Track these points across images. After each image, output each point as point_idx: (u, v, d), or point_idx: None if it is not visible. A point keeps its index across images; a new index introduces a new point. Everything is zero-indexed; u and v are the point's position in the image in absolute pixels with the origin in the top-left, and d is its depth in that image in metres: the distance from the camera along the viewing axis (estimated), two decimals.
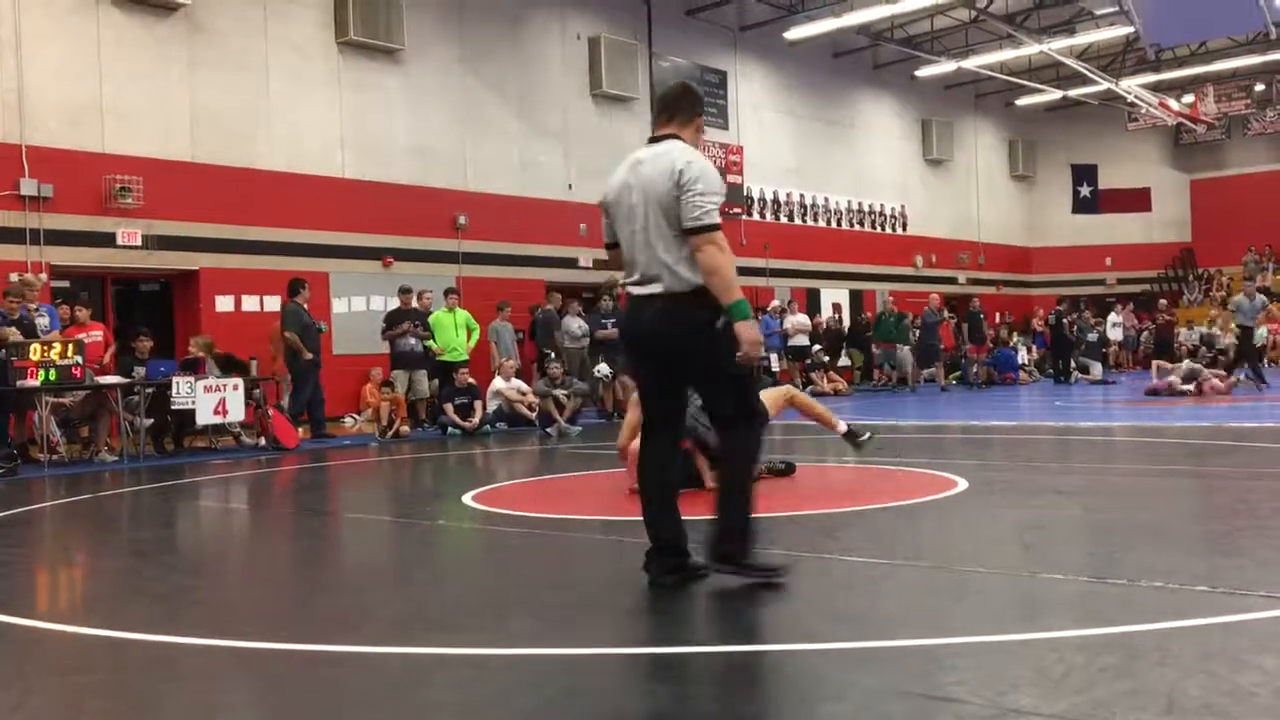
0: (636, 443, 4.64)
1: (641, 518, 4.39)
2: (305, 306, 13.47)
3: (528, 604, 4.22)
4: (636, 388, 4.58)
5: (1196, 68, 27.35)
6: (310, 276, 14.29)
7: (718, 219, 4.08)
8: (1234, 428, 10.59)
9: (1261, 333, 26.91)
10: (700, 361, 4.20)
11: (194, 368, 12.03)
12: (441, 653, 3.53)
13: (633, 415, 7.02)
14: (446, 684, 3.23)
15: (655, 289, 4.15)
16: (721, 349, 4.13)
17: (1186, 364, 17.32)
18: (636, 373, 4.45)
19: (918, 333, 21.72)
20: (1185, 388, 16.01)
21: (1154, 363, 18.50)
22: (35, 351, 10.59)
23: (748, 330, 4.09)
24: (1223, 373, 17.11)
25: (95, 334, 12.31)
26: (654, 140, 4.34)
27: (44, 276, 12.88)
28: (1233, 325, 18.37)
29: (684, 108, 4.39)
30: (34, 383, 10.55)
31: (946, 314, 22.32)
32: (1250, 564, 4.47)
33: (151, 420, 11.93)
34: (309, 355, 13.07)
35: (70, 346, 10.86)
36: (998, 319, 27.22)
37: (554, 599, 4.30)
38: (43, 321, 11.70)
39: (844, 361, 23.16)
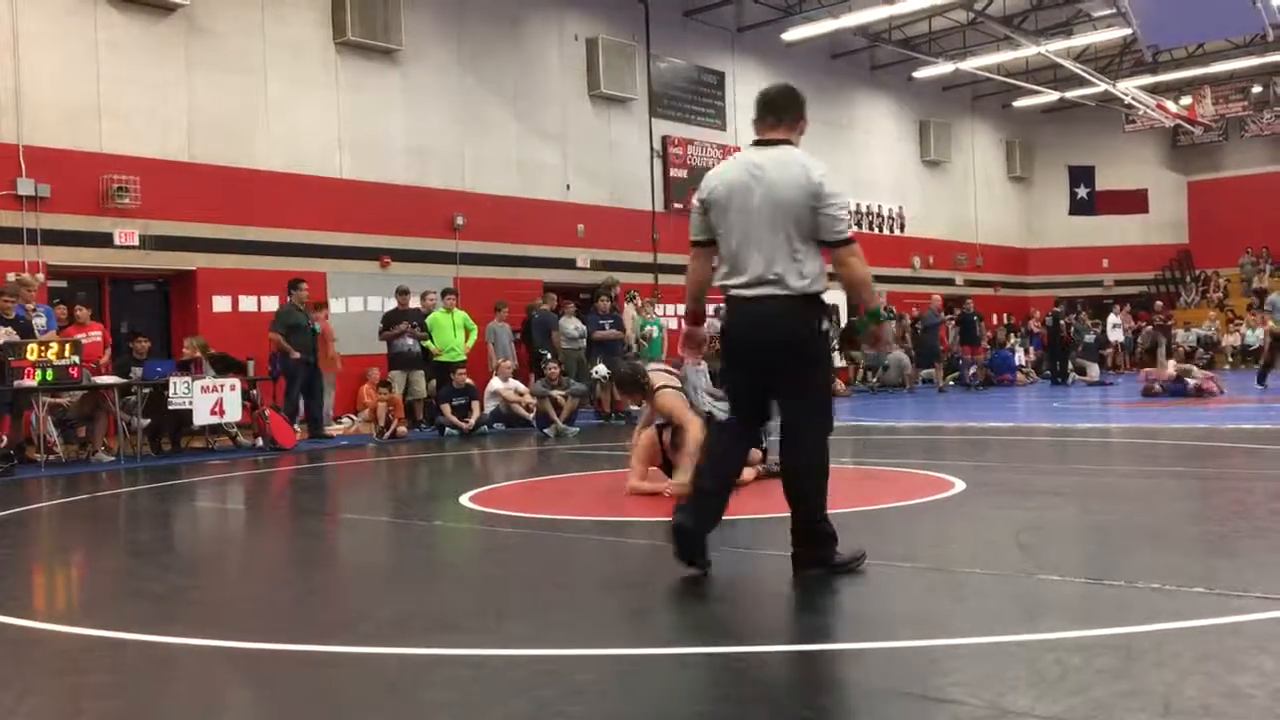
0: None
1: (670, 517, 4.45)
2: (302, 307, 13.47)
3: (525, 605, 4.22)
4: (725, 389, 4.63)
5: (1194, 69, 27.38)
6: (307, 277, 14.28)
7: (852, 231, 4.31)
8: (1230, 429, 10.60)
9: (1258, 333, 27.02)
10: (804, 363, 4.35)
11: (190, 369, 12.02)
12: (439, 653, 3.53)
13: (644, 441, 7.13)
14: (444, 684, 3.23)
15: (770, 290, 4.24)
16: (824, 355, 4.41)
17: (1172, 364, 17.31)
18: (733, 370, 4.48)
19: (917, 333, 21.74)
20: (1191, 381, 15.96)
21: (1143, 370, 18.46)
22: (32, 352, 10.57)
23: (886, 331, 4.74)
24: (1212, 374, 17.09)
25: (95, 334, 12.31)
26: (761, 144, 4.43)
27: (41, 277, 12.87)
28: (1270, 323, 18.04)
29: (789, 110, 4.46)
30: (31, 383, 10.53)
31: (944, 315, 22.28)
32: (1247, 565, 4.48)
33: (148, 420, 11.91)
34: (296, 354, 13.10)
35: (67, 346, 10.85)
36: (994, 320, 27.25)
37: (552, 599, 4.30)
38: (39, 322, 11.69)
39: (840, 363, 23.13)
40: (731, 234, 4.31)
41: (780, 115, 4.44)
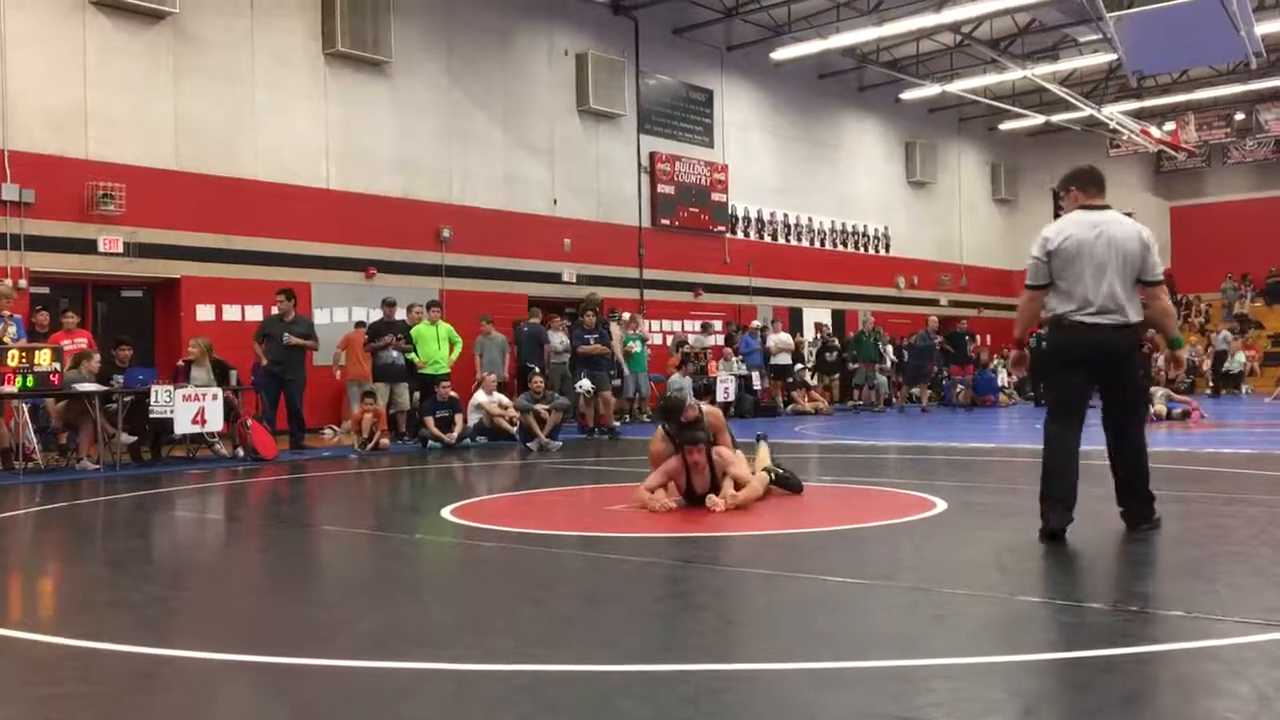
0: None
1: (1044, 492, 5.68)
2: (286, 318, 13.39)
3: (505, 619, 4.20)
4: (1056, 392, 5.87)
5: (1178, 96, 27.64)
6: (293, 287, 14.20)
7: None
8: (1209, 453, 10.65)
9: (1240, 358, 27.19)
10: (1130, 373, 5.81)
11: (185, 372, 11.94)
12: (418, 667, 3.51)
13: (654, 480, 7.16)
14: (423, 699, 3.22)
15: (1111, 319, 5.49)
16: (1138, 365, 5.87)
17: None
18: (1068, 377, 5.70)
19: (905, 353, 21.81)
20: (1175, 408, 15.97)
21: None
22: (12, 358, 10.49)
23: (1182, 355, 6.19)
24: (1189, 400, 17.13)
25: (80, 341, 12.24)
26: (1088, 208, 5.72)
27: (8, 282, 12.67)
28: None
29: (1104, 184, 5.86)
30: (10, 389, 10.46)
31: (937, 338, 22.25)
32: (1226, 590, 4.50)
33: (137, 436, 11.84)
34: (264, 362, 13.10)
35: (49, 353, 10.76)
36: (978, 341, 27.34)
37: (532, 615, 4.29)
38: (10, 331, 11.58)
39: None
40: (1081, 277, 5.51)
41: (1100, 187, 5.81)
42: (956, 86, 25.28)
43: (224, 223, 15.03)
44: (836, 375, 22.99)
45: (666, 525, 6.50)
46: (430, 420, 13.52)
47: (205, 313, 14.86)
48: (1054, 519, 5.52)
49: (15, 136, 13.32)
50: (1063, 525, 5.53)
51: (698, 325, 21.47)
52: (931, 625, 3.97)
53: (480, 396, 14.12)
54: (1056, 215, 26.12)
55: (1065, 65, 24.56)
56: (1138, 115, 27.68)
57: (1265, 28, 18.19)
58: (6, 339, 11.31)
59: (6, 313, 11.66)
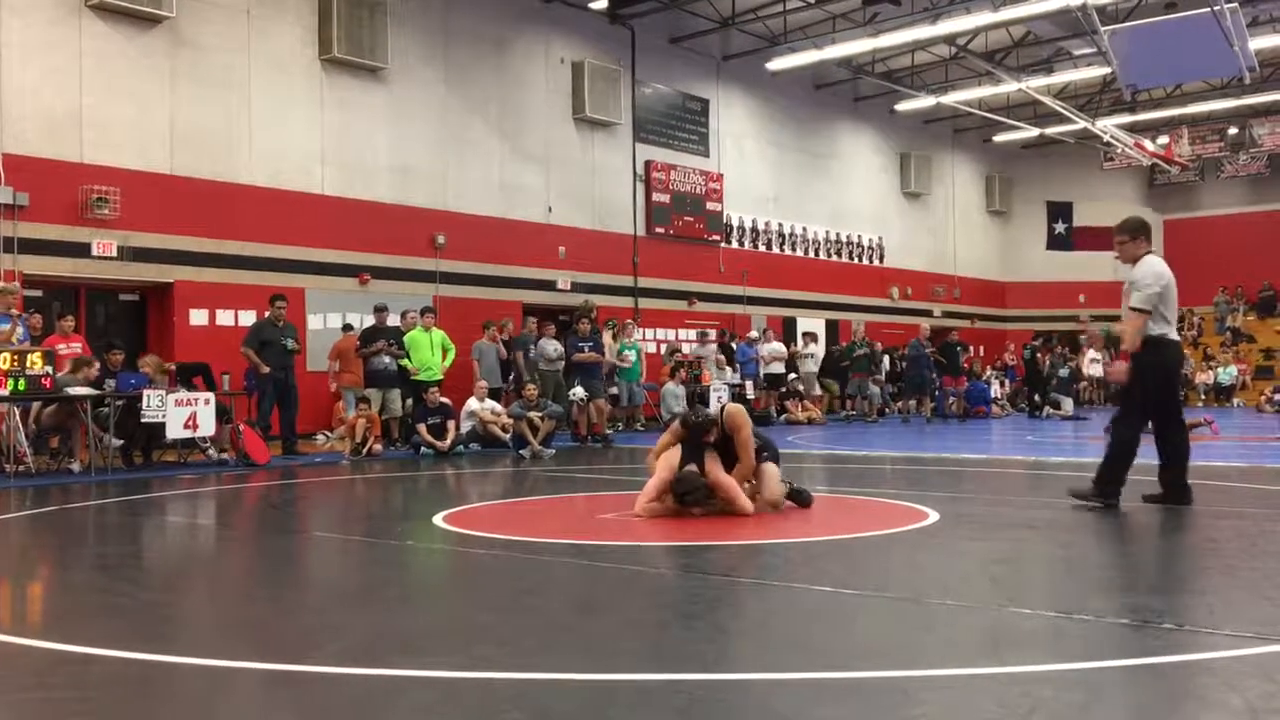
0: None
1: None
2: (279, 323, 13.38)
3: (495, 627, 4.20)
4: (1152, 394, 7.23)
5: (1172, 110, 27.73)
6: (286, 292, 14.20)
7: None
8: (1199, 466, 10.66)
9: (1231, 371, 27.27)
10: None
11: (156, 384, 11.92)
12: (407, 675, 3.50)
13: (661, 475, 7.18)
14: (411, 707, 3.21)
15: (1179, 337, 7.29)
16: None
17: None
18: (1168, 386, 7.37)
19: (902, 365, 21.82)
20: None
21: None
22: (4, 360, 10.46)
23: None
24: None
25: (75, 345, 12.20)
26: (1151, 254, 7.31)
27: (15, 283, 12.70)
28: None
29: None
30: (2, 392, 10.42)
31: (929, 346, 22.24)
32: (1217, 603, 4.51)
33: (120, 439, 11.81)
34: (265, 369, 13.03)
35: (42, 356, 10.73)
36: (971, 352, 27.34)
37: (522, 623, 4.28)
38: (18, 331, 11.56)
39: (816, 392, 23.19)
40: (1171, 305, 7.23)
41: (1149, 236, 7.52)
42: (951, 98, 25.36)
43: (218, 227, 15.01)
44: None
45: (659, 534, 6.50)
46: (423, 427, 13.51)
47: (199, 317, 14.83)
48: (1117, 497, 7.24)
49: (10, 139, 13.30)
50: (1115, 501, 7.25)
51: (692, 334, 21.43)
52: (923, 636, 3.98)
53: (473, 403, 14.11)
54: (1050, 229, 26.20)
55: (1060, 78, 24.64)
56: (1131, 129, 27.77)
57: (1259, 43, 18.28)
58: (14, 339, 11.28)
59: (15, 312, 11.63)
